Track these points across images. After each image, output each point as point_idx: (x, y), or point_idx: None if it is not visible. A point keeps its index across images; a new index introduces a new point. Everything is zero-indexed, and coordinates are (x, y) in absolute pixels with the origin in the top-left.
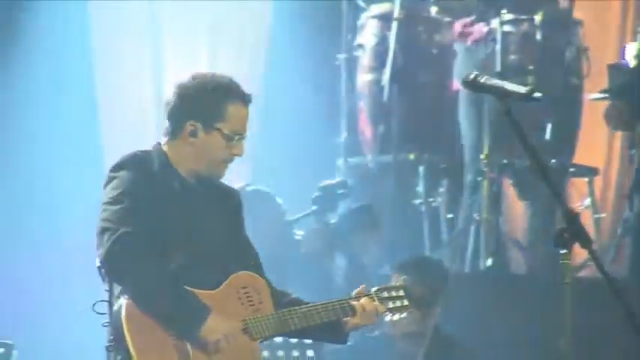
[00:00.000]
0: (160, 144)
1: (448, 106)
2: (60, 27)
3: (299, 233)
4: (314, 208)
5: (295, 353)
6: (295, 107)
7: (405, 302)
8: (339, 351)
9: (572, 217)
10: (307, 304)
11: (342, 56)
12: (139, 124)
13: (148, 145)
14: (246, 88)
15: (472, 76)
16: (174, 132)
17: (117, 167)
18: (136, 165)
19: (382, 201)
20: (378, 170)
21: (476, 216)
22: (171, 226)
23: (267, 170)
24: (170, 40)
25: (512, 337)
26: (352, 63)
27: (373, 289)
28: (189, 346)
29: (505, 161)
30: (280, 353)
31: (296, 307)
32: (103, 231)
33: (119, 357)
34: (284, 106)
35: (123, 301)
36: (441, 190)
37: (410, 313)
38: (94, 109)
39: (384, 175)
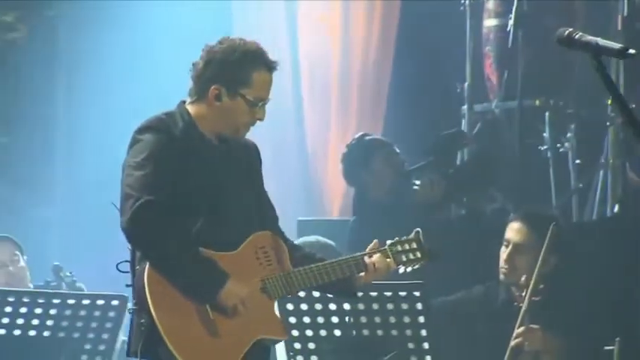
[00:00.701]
0: (184, 103)
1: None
2: None
3: (417, 183)
4: (431, 158)
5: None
6: (422, 54)
7: (418, 255)
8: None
9: None
10: (319, 259)
11: (467, 1)
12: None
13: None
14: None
15: (566, 33)
16: (198, 94)
17: (142, 129)
18: (161, 127)
19: (507, 147)
20: (504, 116)
21: (603, 160)
22: (194, 188)
23: (392, 119)
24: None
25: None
26: (477, 8)
27: (388, 243)
28: (209, 308)
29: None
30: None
31: (311, 266)
32: (126, 198)
33: (142, 320)
34: (412, 54)
35: (145, 265)
36: (569, 135)
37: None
38: None
39: (509, 122)
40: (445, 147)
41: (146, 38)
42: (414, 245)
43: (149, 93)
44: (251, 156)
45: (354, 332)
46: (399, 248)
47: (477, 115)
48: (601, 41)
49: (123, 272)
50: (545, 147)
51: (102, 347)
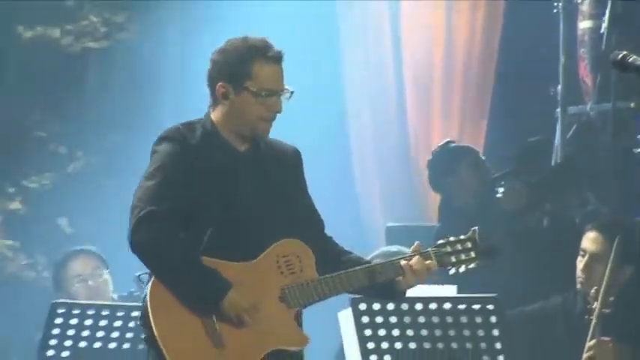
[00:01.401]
0: (209, 112)
1: None
2: None
3: (500, 191)
4: (515, 166)
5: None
6: (512, 56)
7: (472, 254)
8: None
9: None
10: (367, 262)
11: (560, 3)
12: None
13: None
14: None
15: (620, 56)
16: (212, 97)
17: (158, 140)
18: (176, 137)
19: (602, 150)
20: (599, 119)
21: None
22: (207, 196)
23: (494, 120)
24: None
25: None
26: (571, 10)
27: (439, 242)
28: (215, 320)
29: None
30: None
31: (340, 272)
32: (132, 208)
33: (143, 335)
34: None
35: (152, 278)
36: None
37: None
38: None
39: (604, 124)
40: (528, 156)
41: None
42: (469, 245)
43: None
44: (286, 163)
45: (429, 345)
46: (449, 249)
47: (572, 118)
48: None
49: (144, 283)
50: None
51: None
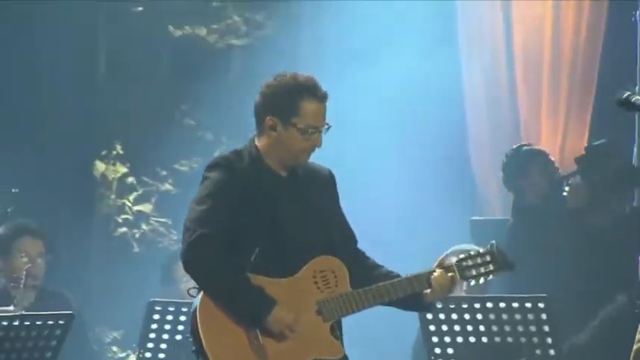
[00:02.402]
0: (254, 139)
1: None
2: None
3: (566, 190)
4: (581, 166)
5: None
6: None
7: (491, 267)
8: None
9: None
10: (396, 275)
11: (638, 12)
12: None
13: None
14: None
15: (624, 96)
16: (258, 127)
17: (209, 168)
18: (225, 165)
19: None
20: None
21: None
22: (253, 218)
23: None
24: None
25: None
26: None
27: (461, 256)
28: (259, 334)
29: None
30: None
31: (372, 286)
32: (185, 230)
33: (193, 348)
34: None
35: (200, 294)
36: None
37: None
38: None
39: None
40: (593, 159)
41: (370, 37)
42: (487, 258)
43: (379, 89)
44: (322, 184)
45: (487, 340)
46: (469, 263)
47: None
48: None
49: (193, 297)
50: None
51: None
